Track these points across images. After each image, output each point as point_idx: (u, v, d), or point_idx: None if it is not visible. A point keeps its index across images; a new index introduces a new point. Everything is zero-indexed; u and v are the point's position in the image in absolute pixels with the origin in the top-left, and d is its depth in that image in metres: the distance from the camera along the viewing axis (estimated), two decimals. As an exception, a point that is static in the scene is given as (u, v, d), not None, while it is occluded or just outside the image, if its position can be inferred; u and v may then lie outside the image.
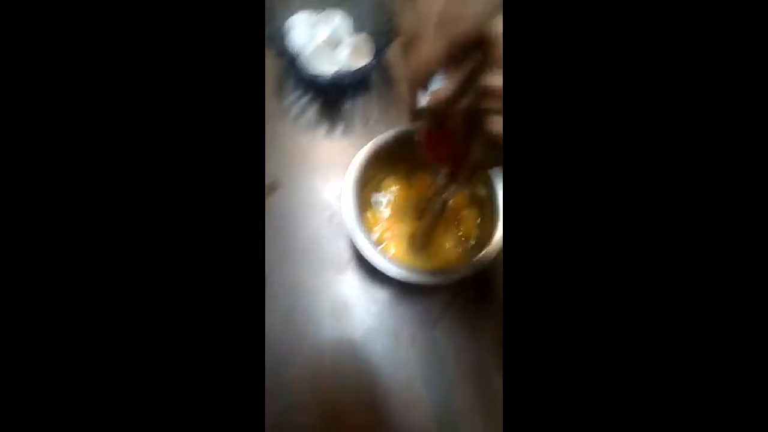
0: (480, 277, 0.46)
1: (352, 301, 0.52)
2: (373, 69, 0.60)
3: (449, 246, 0.52)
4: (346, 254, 0.54)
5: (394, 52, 0.66)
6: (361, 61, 0.60)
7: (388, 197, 0.55)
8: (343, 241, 0.55)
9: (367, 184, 0.53)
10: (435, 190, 0.45)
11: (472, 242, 0.52)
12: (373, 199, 0.55)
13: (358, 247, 0.45)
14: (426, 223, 0.48)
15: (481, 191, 0.52)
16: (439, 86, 0.30)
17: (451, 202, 0.45)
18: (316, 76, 0.57)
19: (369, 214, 0.54)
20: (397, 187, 0.55)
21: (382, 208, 0.54)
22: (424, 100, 0.32)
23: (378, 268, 0.44)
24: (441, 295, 0.52)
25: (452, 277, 0.44)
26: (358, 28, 0.65)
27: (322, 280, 0.53)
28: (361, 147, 0.49)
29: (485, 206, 0.52)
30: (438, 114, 0.31)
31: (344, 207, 0.46)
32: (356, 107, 0.64)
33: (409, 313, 0.52)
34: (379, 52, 0.60)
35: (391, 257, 0.49)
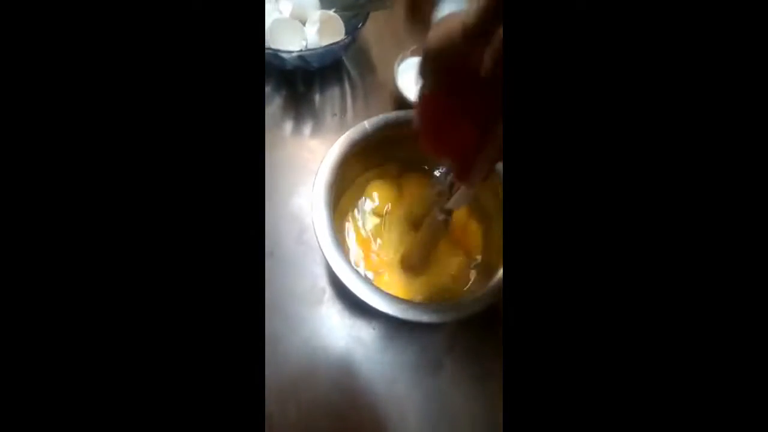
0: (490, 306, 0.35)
1: (332, 341, 0.40)
2: (345, 48, 0.50)
3: (452, 269, 0.41)
4: (322, 281, 0.43)
5: (370, 32, 0.56)
6: (332, 39, 0.49)
7: (373, 206, 0.43)
8: (318, 265, 0.43)
9: (346, 189, 0.42)
10: (436, 194, 0.34)
11: (478, 263, 0.41)
12: (354, 209, 0.43)
13: (335, 273, 0.34)
14: (424, 240, 0.37)
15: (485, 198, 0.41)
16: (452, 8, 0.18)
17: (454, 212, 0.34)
18: (280, 55, 0.45)
19: (350, 229, 0.42)
20: (385, 191, 0.44)
21: (366, 220, 0.43)
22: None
23: (363, 301, 0.33)
24: (443, 331, 0.41)
25: (460, 314, 0.33)
26: (326, 5, 0.54)
27: (294, 316, 0.41)
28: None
29: (488, 214, 0.42)
30: (450, 61, 0.19)
31: (316, 221, 0.35)
32: (328, 98, 0.53)
33: (406, 355, 0.40)
34: (351, 30, 0.49)
35: (381, 285, 0.38)
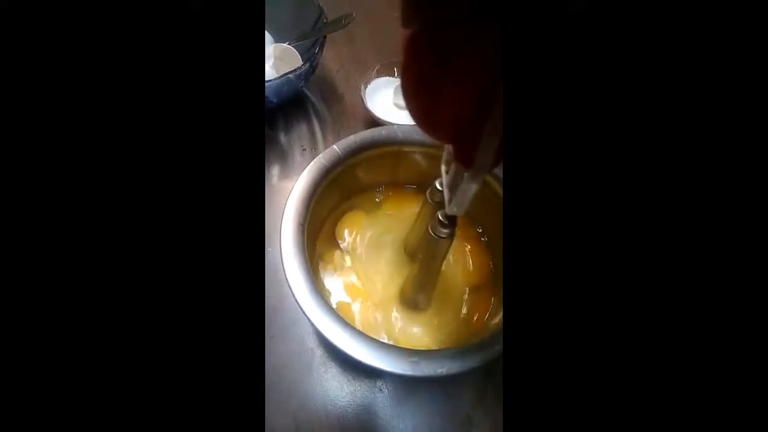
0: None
1: (332, 413, 0.33)
2: (305, 77, 0.45)
3: (465, 304, 0.34)
4: (310, 340, 0.36)
5: (330, 59, 0.52)
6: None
7: (347, 242, 0.37)
8: (301, 323, 0.36)
9: (324, 224, 0.36)
10: (432, 205, 0.28)
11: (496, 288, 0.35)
12: (335, 249, 0.37)
13: (321, 333, 0.27)
14: (423, 267, 0.30)
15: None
16: None
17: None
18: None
19: (335, 272, 0.36)
20: (359, 222, 0.37)
21: (351, 260, 0.37)
22: None
23: (362, 362, 0.26)
24: (468, 379, 0.33)
25: (487, 356, 0.26)
26: (280, 38, 0.51)
27: (278, 389, 0.33)
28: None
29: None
30: None
31: (288, 270, 0.28)
32: (294, 135, 0.48)
33: (427, 416, 0.33)
34: (311, 58, 0.45)
35: (380, 335, 0.31)
